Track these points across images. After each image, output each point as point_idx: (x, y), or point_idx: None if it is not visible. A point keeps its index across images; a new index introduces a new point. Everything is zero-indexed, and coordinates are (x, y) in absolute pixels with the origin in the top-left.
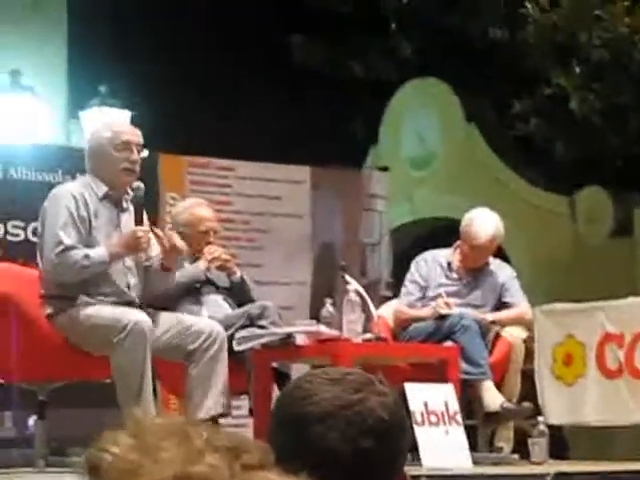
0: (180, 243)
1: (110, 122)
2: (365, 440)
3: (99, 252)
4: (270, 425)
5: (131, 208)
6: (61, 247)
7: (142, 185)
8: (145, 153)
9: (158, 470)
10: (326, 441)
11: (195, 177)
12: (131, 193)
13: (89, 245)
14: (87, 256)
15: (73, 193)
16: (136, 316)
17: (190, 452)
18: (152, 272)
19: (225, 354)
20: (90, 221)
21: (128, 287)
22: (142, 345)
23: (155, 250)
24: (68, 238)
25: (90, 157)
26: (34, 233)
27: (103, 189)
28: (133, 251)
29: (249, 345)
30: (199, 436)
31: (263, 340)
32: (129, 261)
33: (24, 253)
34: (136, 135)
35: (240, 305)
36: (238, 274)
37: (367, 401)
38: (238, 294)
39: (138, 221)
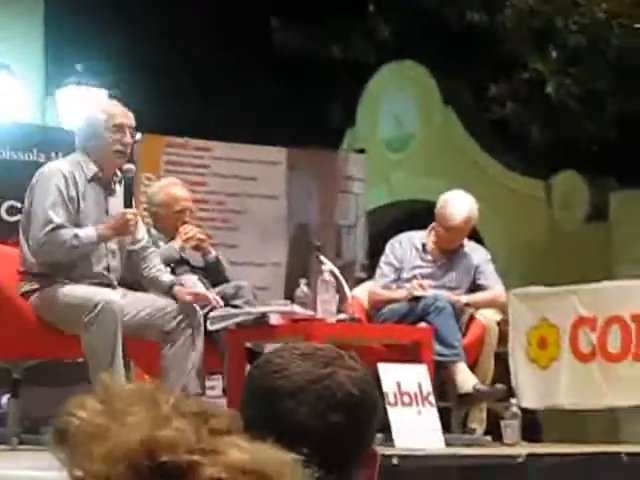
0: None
1: (105, 104)
2: (334, 414)
3: (88, 232)
4: (241, 399)
5: (119, 191)
6: (51, 226)
7: (133, 167)
8: (138, 136)
9: (125, 434)
10: (296, 415)
11: (171, 157)
12: (120, 175)
13: (77, 225)
14: (76, 236)
15: (63, 172)
16: (107, 295)
17: (157, 417)
18: (157, 283)
19: (201, 334)
20: (79, 201)
21: (108, 269)
22: (113, 324)
23: (141, 233)
24: (57, 217)
25: (82, 137)
26: (8, 212)
27: (93, 169)
28: (121, 233)
29: (223, 325)
30: (167, 402)
31: (237, 319)
32: (113, 244)
33: None
34: (129, 118)
35: (215, 285)
36: (213, 254)
37: (336, 375)
38: (213, 274)
39: (127, 204)
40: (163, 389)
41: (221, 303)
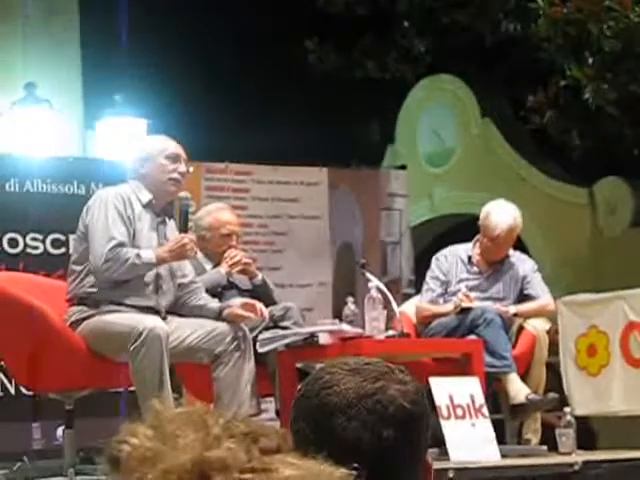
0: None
1: (160, 136)
2: (386, 429)
3: (148, 253)
4: (292, 416)
5: (169, 223)
6: (114, 242)
7: (189, 195)
8: (191, 169)
9: (176, 456)
10: (348, 431)
11: (211, 183)
12: (177, 202)
13: (132, 246)
14: (138, 255)
15: (120, 193)
16: (152, 322)
17: (208, 438)
18: (205, 309)
19: (252, 355)
20: (134, 224)
21: (157, 293)
22: (159, 351)
23: (189, 268)
24: (120, 235)
25: (137, 165)
26: (53, 245)
27: (147, 197)
28: (179, 257)
29: (273, 346)
30: (216, 423)
31: (286, 341)
32: (163, 270)
33: (44, 265)
34: (182, 151)
35: None
36: (260, 277)
37: (387, 390)
38: (261, 297)
39: (183, 230)
40: (212, 411)
41: (267, 314)
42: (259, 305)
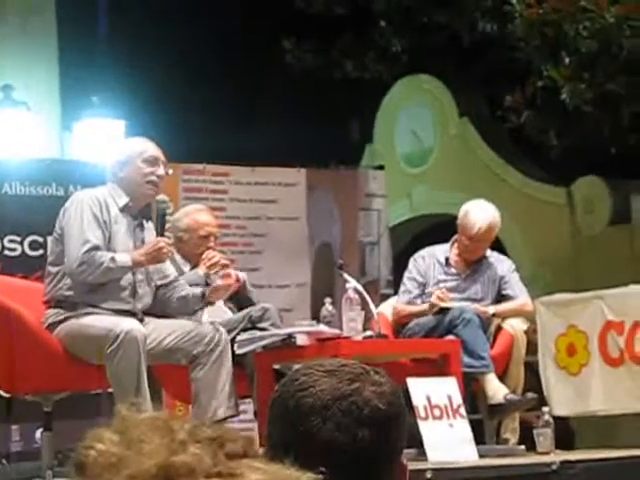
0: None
1: (139, 139)
2: (361, 430)
3: (123, 257)
4: (268, 418)
5: (147, 225)
6: (88, 245)
7: (167, 199)
8: (170, 171)
9: (142, 462)
10: (323, 432)
11: (189, 184)
12: (155, 205)
13: (108, 250)
14: (113, 259)
15: (97, 196)
16: (129, 325)
17: (173, 443)
18: (190, 298)
19: (229, 356)
20: (110, 227)
21: (133, 296)
22: (135, 353)
23: (170, 269)
24: (95, 238)
25: (115, 168)
26: (31, 247)
27: (124, 199)
28: (154, 261)
29: (251, 347)
30: (182, 428)
31: (264, 342)
32: (140, 274)
33: (22, 267)
34: (161, 153)
35: (241, 309)
36: (239, 277)
37: (363, 391)
38: (239, 298)
39: (160, 233)
40: (178, 417)
41: (242, 278)
42: (233, 272)
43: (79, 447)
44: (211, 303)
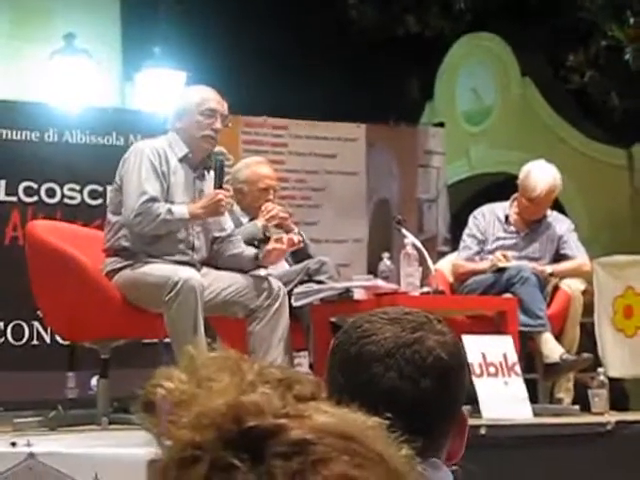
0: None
1: (201, 88)
2: (423, 379)
3: (181, 209)
4: (328, 365)
5: (208, 176)
6: (145, 197)
7: (225, 151)
8: (230, 124)
9: (211, 400)
10: (385, 380)
11: (249, 137)
12: (213, 158)
13: (166, 202)
14: (170, 210)
15: (156, 147)
16: (187, 273)
17: (242, 383)
18: (242, 256)
19: (287, 311)
20: (169, 178)
21: (192, 249)
22: (193, 302)
23: (228, 222)
24: (152, 189)
25: (175, 117)
26: (90, 196)
27: (184, 150)
28: (213, 214)
29: (308, 300)
30: (251, 369)
31: (321, 295)
32: (197, 226)
33: (82, 216)
34: (222, 105)
35: (298, 262)
36: (295, 231)
37: (426, 340)
38: (296, 251)
39: (218, 186)
40: (246, 358)
41: (297, 240)
42: (286, 236)
43: (147, 386)
44: (263, 267)
